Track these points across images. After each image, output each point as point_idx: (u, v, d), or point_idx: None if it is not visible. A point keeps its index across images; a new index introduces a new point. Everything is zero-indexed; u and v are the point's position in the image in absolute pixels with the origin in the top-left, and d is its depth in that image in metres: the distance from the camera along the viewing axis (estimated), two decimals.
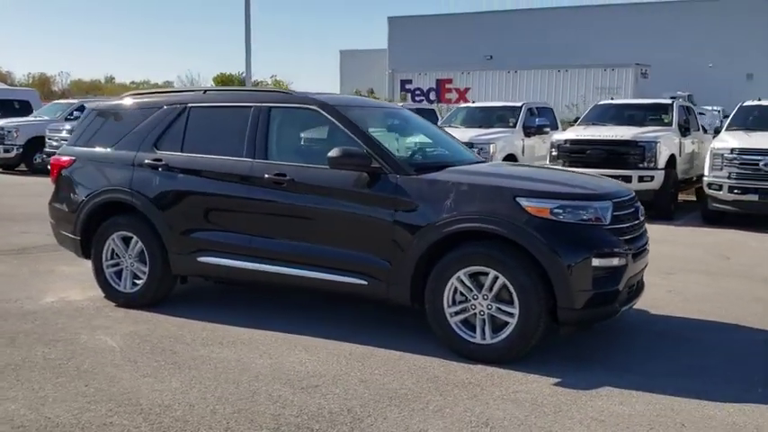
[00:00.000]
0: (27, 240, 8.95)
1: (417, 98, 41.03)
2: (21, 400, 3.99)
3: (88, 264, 7.33)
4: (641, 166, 11.86)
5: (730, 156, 10.96)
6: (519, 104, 15.26)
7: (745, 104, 12.75)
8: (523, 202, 4.54)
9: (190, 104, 5.83)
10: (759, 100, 12.98)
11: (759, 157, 10.72)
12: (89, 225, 6.05)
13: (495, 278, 4.56)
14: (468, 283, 4.65)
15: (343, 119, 5.29)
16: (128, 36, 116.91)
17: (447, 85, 41.87)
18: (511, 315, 4.54)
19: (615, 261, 4.58)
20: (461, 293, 4.71)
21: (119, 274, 6.00)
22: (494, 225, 4.54)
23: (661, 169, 11.84)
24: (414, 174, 4.95)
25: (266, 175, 5.29)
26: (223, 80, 48.14)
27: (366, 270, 4.96)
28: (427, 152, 5.81)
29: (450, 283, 4.70)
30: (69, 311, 5.79)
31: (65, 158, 6.29)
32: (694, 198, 13.95)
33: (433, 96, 41.18)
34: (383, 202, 4.89)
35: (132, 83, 73.13)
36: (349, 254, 5.02)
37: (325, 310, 5.86)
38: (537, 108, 15.54)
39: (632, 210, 4.92)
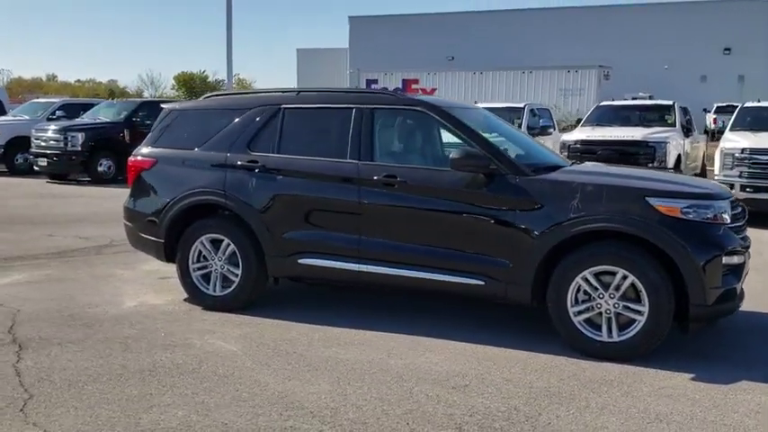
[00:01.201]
0: (60, 244, 8.74)
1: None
2: (183, 406, 3.93)
3: (144, 266, 7.33)
4: (651, 165, 12.20)
5: (741, 155, 11.37)
6: (521, 105, 15.50)
7: (745, 106, 13.23)
8: (654, 201, 4.67)
9: (284, 106, 5.78)
10: (759, 101, 13.48)
11: None
12: (175, 228, 5.95)
13: (624, 277, 4.67)
14: (594, 282, 4.76)
15: (453, 120, 5.34)
16: (71, 33, 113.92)
17: (413, 86, 42.13)
18: (639, 313, 4.66)
19: (736, 258, 4.75)
20: (585, 293, 4.81)
21: (205, 276, 5.91)
22: (626, 225, 4.66)
23: (670, 169, 12.20)
24: (532, 175, 5.03)
25: (375, 177, 5.29)
26: (185, 79, 47.37)
27: (484, 270, 5.02)
28: (529, 153, 5.88)
29: (574, 283, 4.80)
30: (160, 316, 5.69)
31: (145, 160, 6.16)
32: None
33: None
34: (504, 202, 4.96)
35: (77, 81, 71.33)
36: (466, 255, 5.07)
37: (423, 309, 5.88)
38: (537, 109, 15.83)
39: (740, 209, 5.10)
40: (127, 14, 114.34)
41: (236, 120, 5.89)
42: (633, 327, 4.70)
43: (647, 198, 4.70)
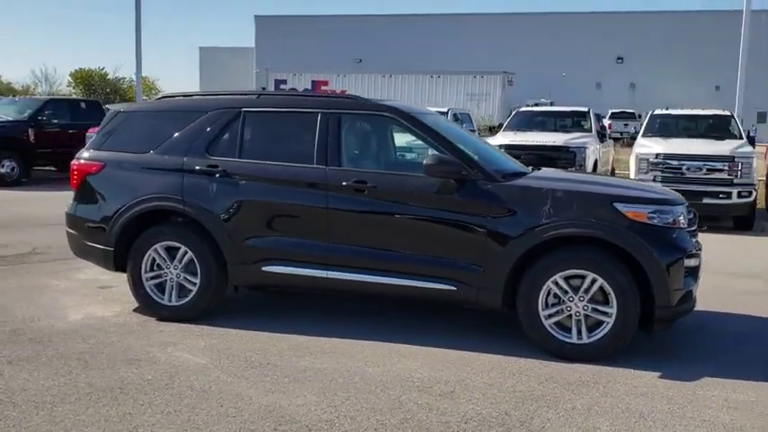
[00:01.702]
0: None
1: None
2: (169, 425, 3.74)
3: (78, 276, 6.98)
4: (571, 169, 12.65)
5: (655, 160, 11.99)
6: (445, 110, 15.74)
7: (655, 113, 13.95)
8: (621, 207, 4.84)
9: (244, 109, 5.61)
10: (667, 109, 14.25)
11: (682, 162, 11.81)
12: (125, 235, 5.67)
13: (593, 281, 4.82)
14: (564, 285, 4.88)
15: (422, 126, 5.35)
16: None
17: (323, 87, 42.07)
18: (607, 315, 4.82)
19: (693, 261, 4.99)
20: (555, 296, 4.93)
21: (159, 286, 5.66)
22: (597, 230, 4.81)
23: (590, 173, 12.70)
24: (502, 181, 5.11)
25: (344, 183, 5.23)
26: (83, 76, 45.22)
27: (455, 276, 5.05)
28: (491, 159, 5.94)
29: (545, 287, 4.91)
30: (113, 329, 5.40)
31: (91, 164, 5.84)
32: None
33: None
34: (476, 208, 5.01)
35: None
36: (437, 260, 5.09)
37: (388, 315, 5.85)
38: (460, 113, 16.11)
39: (692, 214, 5.37)
40: (17, 6, 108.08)
41: (193, 123, 5.67)
42: (602, 328, 4.85)
43: (614, 204, 4.87)
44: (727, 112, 13.77)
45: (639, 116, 35.76)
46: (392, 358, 4.85)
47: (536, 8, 50.28)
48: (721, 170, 11.78)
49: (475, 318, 5.71)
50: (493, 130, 33.61)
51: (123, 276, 6.68)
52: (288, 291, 5.71)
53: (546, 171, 5.96)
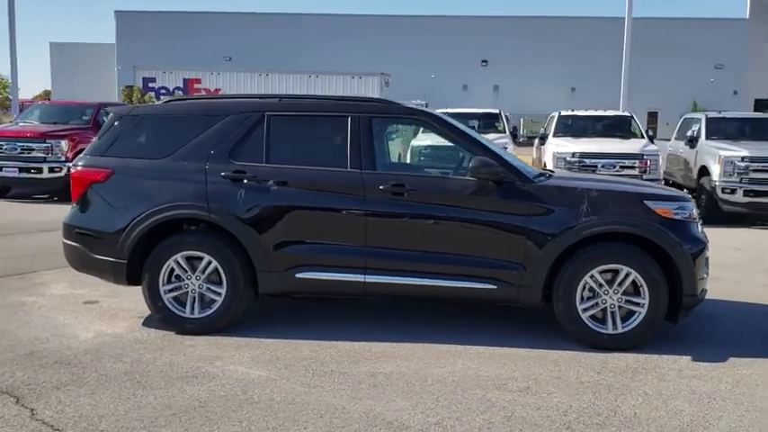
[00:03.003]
0: None
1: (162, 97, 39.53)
2: None
3: (50, 291, 6.60)
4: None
5: (572, 159, 12.75)
6: None
7: (562, 114, 14.80)
8: (651, 204, 5.20)
9: (268, 113, 5.46)
10: (573, 111, 15.15)
11: (597, 160, 12.65)
12: (140, 247, 5.35)
13: (627, 274, 5.14)
14: (600, 279, 5.17)
15: (456, 129, 5.45)
16: None
17: (195, 85, 40.75)
18: (639, 305, 5.15)
19: (707, 252, 5.45)
20: (590, 290, 5.21)
21: (177, 298, 5.40)
22: (634, 227, 5.13)
23: None
24: (537, 181, 5.32)
25: (382, 186, 5.23)
26: None
27: (496, 275, 5.20)
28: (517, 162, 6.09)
29: (583, 282, 5.17)
30: (137, 345, 5.09)
31: (97, 171, 5.44)
32: None
33: (180, 95, 39.87)
34: (515, 208, 5.18)
35: None
36: (477, 260, 5.21)
37: (405, 316, 5.90)
38: None
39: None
40: None
41: (212, 127, 5.44)
42: (634, 319, 5.18)
43: (644, 201, 5.22)
44: (628, 114, 14.88)
45: (508, 118, 37.69)
46: (447, 359, 4.92)
47: (408, 11, 51.25)
48: (632, 167, 12.75)
49: (494, 314, 5.90)
50: None
51: (102, 290, 6.42)
52: (319, 296, 5.63)
53: (566, 173, 6.23)
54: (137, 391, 4.24)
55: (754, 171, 12.11)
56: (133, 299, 6.23)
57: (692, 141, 13.82)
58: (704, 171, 13.05)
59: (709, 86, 47.70)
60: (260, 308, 5.94)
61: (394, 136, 7.53)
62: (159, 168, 5.41)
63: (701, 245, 5.24)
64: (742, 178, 12.14)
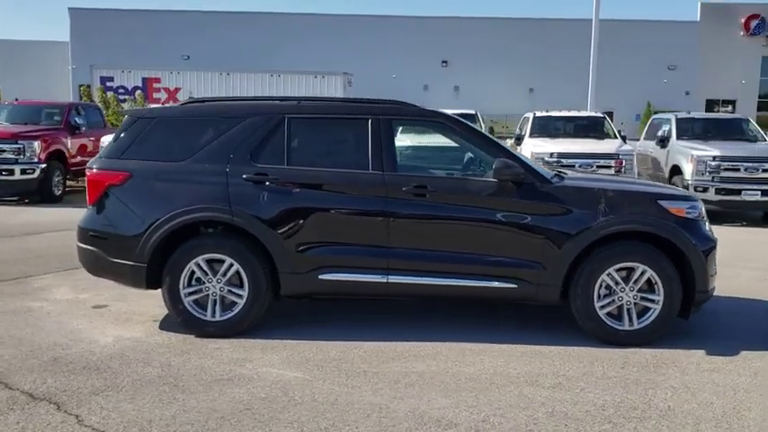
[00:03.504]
0: None
1: (121, 97, 38.81)
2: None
3: (55, 296, 6.52)
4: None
5: (551, 159, 12.99)
6: None
7: (537, 115, 15.04)
8: (665, 204, 5.37)
9: (288, 115, 5.46)
10: (547, 111, 15.43)
11: (575, 160, 12.92)
12: (160, 250, 5.31)
13: (643, 272, 5.30)
14: (617, 277, 5.32)
15: (475, 132, 5.54)
16: None
17: (155, 84, 40.16)
18: (654, 302, 5.32)
19: (715, 249, 5.65)
20: (607, 287, 5.35)
21: (197, 301, 5.37)
22: (651, 226, 5.29)
23: None
24: (553, 182, 5.44)
25: (404, 188, 5.29)
26: None
27: (516, 274, 5.31)
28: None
29: (600, 280, 5.32)
30: (160, 349, 5.06)
31: (115, 173, 5.37)
32: None
33: (141, 95, 39.32)
34: (535, 208, 5.29)
35: None
36: (499, 260, 5.31)
37: (430, 315, 5.97)
38: None
39: None
40: None
41: (231, 130, 5.42)
42: (649, 315, 5.34)
43: (659, 201, 5.39)
44: (601, 115, 15.22)
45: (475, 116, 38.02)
46: (473, 357, 5.01)
47: (368, 10, 51.23)
48: (608, 166, 13.05)
49: (509, 312, 6.02)
50: None
51: (108, 294, 6.39)
52: (342, 297, 5.66)
53: (575, 173, 6.33)
54: (177, 395, 4.22)
55: (725, 170, 12.55)
56: (142, 302, 6.19)
57: (664, 141, 14.23)
58: (676, 170, 13.45)
59: (663, 87, 48.86)
60: (278, 310, 5.93)
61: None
62: (179, 171, 5.37)
63: (711, 243, 5.43)
64: (714, 177, 12.56)
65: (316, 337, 5.34)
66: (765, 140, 14.29)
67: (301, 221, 5.31)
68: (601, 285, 5.34)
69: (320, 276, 5.32)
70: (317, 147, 5.52)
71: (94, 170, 5.47)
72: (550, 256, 5.29)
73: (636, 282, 5.32)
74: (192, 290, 5.35)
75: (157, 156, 5.45)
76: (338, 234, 5.33)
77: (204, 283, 5.34)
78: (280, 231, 5.28)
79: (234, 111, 5.58)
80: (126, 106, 28.86)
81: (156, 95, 39.21)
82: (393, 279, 5.33)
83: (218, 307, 5.35)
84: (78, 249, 5.57)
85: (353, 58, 46.06)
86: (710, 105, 48.50)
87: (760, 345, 5.40)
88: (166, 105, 6.26)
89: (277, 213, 5.29)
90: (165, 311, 5.88)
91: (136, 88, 38.68)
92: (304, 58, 43.85)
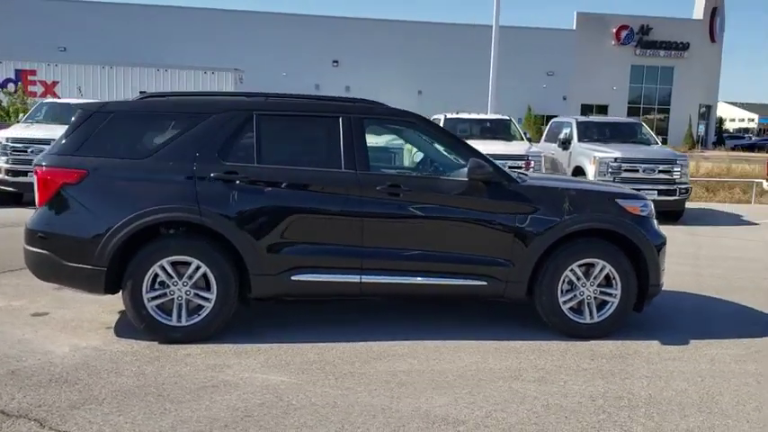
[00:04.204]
0: None
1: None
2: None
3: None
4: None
5: None
6: None
7: (448, 117, 15.26)
8: (622, 202, 5.64)
9: (256, 112, 5.30)
10: (458, 114, 15.76)
11: None
12: (121, 253, 5.02)
13: (603, 267, 5.54)
14: (579, 273, 5.54)
15: (444, 132, 5.59)
16: None
17: (30, 77, 37.79)
18: (612, 296, 5.57)
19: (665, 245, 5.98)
20: (569, 283, 5.56)
21: (161, 306, 5.12)
22: (611, 223, 5.53)
23: None
24: (519, 182, 5.58)
25: (378, 187, 5.27)
26: None
27: (487, 272, 5.41)
28: None
29: (563, 276, 5.52)
30: (127, 358, 4.79)
31: (70, 171, 5.01)
32: None
33: (12, 88, 36.84)
34: (504, 207, 5.41)
35: None
36: (470, 258, 5.39)
37: (386, 314, 5.96)
38: None
39: None
40: None
41: (197, 126, 5.20)
42: (608, 308, 5.59)
43: (616, 200, 5.66)
44: (507, 117, 15.73)
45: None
46: (450, 354, 5.05)
47: (259, 7, 50.23)
48: (518, 167, 13.51)
49: (472, 309, 6.13)
50: None
51: (43, 300, 6.10)
52: (313, 298, 5.55)
53: (535, 174, 6.51)
54: (166, 405, 4.00)
55: (625, 171, 13.33)
56: (85, 309, 5.88)
57: (566, 143, 14.91)
58: (579, 171, 14.13)
59: (542, 92, 51.14)
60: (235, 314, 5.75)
61: None
62: (141, 169, 5.09)
63: (663, 239, 5.76)
64: (615, 177, 13.28)
65: (285, 340, 5.22)
66: (658, 143, 15.30)
67: (273, 221, 5.17)
68: (564, 281, 5.54)
69: (293, 277, 5.20)
70: (287, 145, 5.39)
71: (45, 167, 5.09)
72: (519, 254, 5.42)
73: (596, 277, 5.55)
74: (155, 294, 5.08)
75: (115, 153, 5.15)
76: (311, 234, 5.24)
77: (169, 286, 5.09)
78: (250, 232, 5.12)
79: (198, 107, 5.36)
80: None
81: (31, 89, 36.85)
82: (366, 279, 5.29)
83: (183, 311, 5.12)
84: (26, 252, 5.17)
85: (244, 55, 45.20)
86: (585, 110, 51.21)
87: (701, 334, 5.75)
88: (123, 100, 5.87)
89: (248, 213, 5.13)
90: (114, 317, 5.62)
91: (8, 81, 36.24)
92: (194, 54, 42.55)
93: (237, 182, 5.13)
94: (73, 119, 5.29)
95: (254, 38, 47.20)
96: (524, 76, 51.57)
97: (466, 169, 5.37)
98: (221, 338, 5.18)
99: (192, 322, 5.12)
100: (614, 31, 53.97)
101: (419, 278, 5.35)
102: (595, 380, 4.65)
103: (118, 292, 5.19)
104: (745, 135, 69.63)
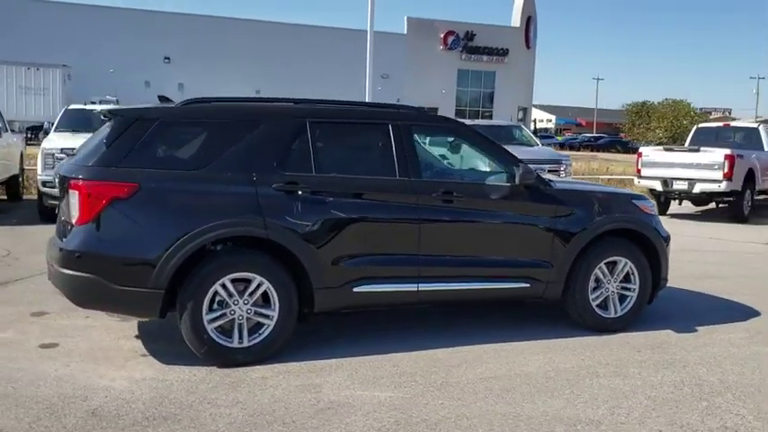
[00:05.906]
0: None
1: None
2: None
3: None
4: None
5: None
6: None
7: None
8: (637, 203, 6.04)
9: (309, 119, 5.05)
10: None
11: None
12: (180, 272, 4.59)
13: (625, 264, 5.91)
14: (606, 271, 5.86)
15: (485, 139, 5.66)
16: None
17: None
18: (631, 290, 5.95)
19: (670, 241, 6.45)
20: (596, 281, 5.87)
21: (221, 328, 4.75)
22: (634, 223, 5.90)
23: None
24: (554, 186, 5.79)
25: (433, 194, 5.24)
26: None
27: (530, 274, 5.57)
28: None
29: (593, 274, 5.81)
30: (203, 387, 4.40)
31: (119, 184, 4.48)
32: None
33: None
34: (546, 211, 5.59)
35: None
36: (517, 261, 5.52)
37: (437, 317, 5.92)
38: None
39: None
40: None
41: (251, 134, 4.86)
42: (627, 302, 5.97)
43: (633, 201, 6.05)
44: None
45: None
46: (522, 356, 5.12)
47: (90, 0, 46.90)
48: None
49: (493, 310, 6.26)
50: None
51: (36, 329, 5.54)
52: (372, 309, 5.38)
53: (560, 178, 6.69)
54: None
55: None
56: (95, 337, 5.38)
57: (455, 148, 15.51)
58: None
59: (378, 94, 52.17)
60: None
61: None
62: (196, 180, 4.68)
63: (668, 235, 6.25)
64: None
65: (344, 355, 5.02)
66: (539, 145, 16.34)
67: (335, 232, 4.97)
68: (593, 279, 5.84)
69: (355, 289, 5.04)
70: (341, 153, 5.22)
71: (85, 180, 4.50)
72: (558, 255, 5.64)
73: (618, 274, 5.91)
74: (215, 315, 4.70)
75: (165, 164, 4.71)
76: (371, 244, 5.10)
77: (229, 306, 4.73)
78: (314, 244, 4.89)
79: (250, 114, 5.02)
80: None
81: None
82: (424, 287, 5.25)
83: (245, 331, 4.78)
84: (62, 277, 4.55)
85: (68, 51, 42.00)
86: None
87: (705, 322, 6.26)
88: (166, 106, 5.27)
89: (311, 225, 4.89)
90: (135, 343, 5.18)
91: None
92: (18, 48, 38.79)
93: (300, 192, 4.87)
94: (107, 126, 4.73)
95: (78, 32, 43.96)
96: (360, 78, 52.36)
97: (509, 174, 5.50)
98: (280, 358, 4.89)
99: (254, 342, 4.80)
100: (442, 36, 56.49)
101: (470, 284, 5.41)
102: (662, 370, 4.96)
103: (166, 315, 4.74)
104: (554, 136, 75.56)
